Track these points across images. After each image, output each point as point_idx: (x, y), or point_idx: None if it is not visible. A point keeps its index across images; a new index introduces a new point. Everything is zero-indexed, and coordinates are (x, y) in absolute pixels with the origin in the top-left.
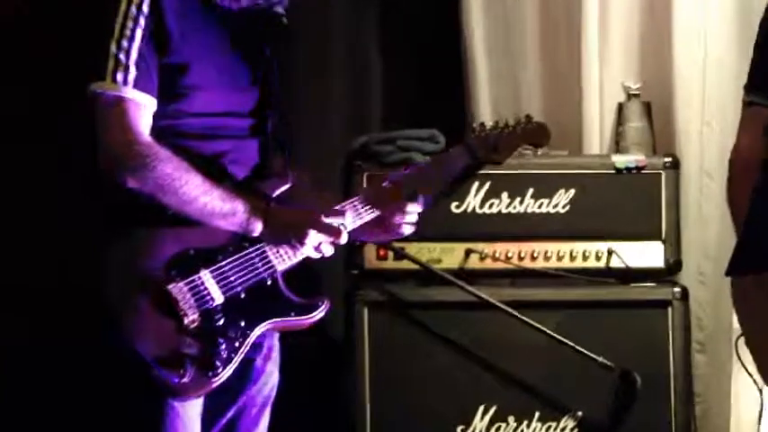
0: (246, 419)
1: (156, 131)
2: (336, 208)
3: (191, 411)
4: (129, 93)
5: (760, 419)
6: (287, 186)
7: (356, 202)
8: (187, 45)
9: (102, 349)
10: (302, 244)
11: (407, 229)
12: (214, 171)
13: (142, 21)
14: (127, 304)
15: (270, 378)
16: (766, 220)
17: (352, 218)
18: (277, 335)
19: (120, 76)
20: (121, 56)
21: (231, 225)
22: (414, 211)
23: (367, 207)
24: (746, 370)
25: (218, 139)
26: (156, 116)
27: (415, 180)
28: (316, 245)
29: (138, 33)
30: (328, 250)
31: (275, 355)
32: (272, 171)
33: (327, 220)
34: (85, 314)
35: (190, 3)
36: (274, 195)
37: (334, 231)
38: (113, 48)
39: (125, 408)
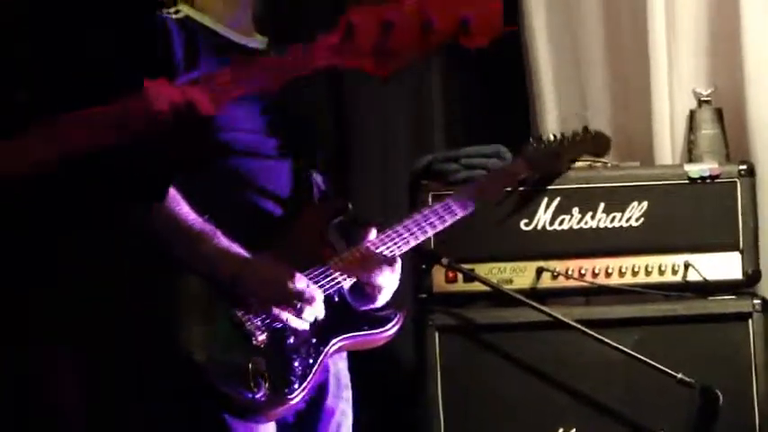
0: None
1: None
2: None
3: None
4: None
5: None
6: (339, 218)
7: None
8: (196, 70)
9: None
10: (269, 311)
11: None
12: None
13: None
14: (195, 333)
15: (344, 419)
16: None
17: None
18: (347, 373)
19: None
20: None
21: (204, 259)
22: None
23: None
24: None
25: (254, 157)
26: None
27: (474, 194)
28: (288, 316)
29: None
30: (308, 315)
31: (348, 393)
32: (318, 198)
33: (299, 287)
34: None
35: (199, 34)
36: (329, 224)
37: (302, 300)
38: None
39: None
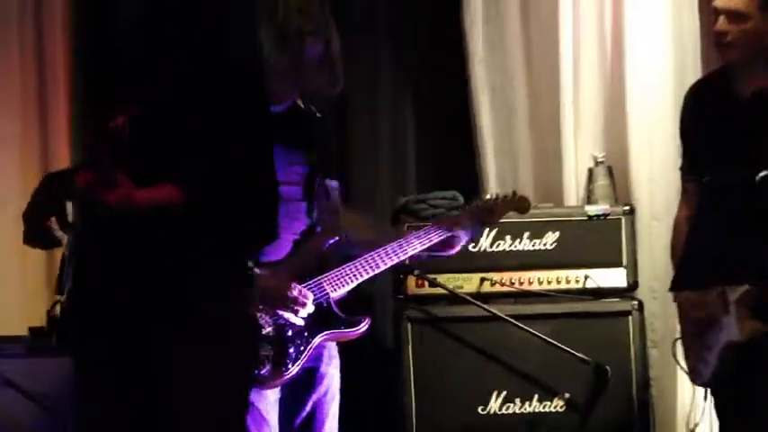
0: (321, 414)
1: None
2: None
3: (266, 406)
4: None
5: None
6: (334, 240)
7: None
8: None
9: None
10: (274, 312)
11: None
12: None
13: None
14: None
15: (332, 381)
16: (695, 254)
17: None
18: (335, 346)
19: None
20: None
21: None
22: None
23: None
24: (681, 368)
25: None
26: None
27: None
28: (291, 316)
29: None
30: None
31: (336, 361)
32: (323, 227)
33: (293, 294)
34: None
35: None
36: (325, 247)
37: (296, 304)
38: None
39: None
